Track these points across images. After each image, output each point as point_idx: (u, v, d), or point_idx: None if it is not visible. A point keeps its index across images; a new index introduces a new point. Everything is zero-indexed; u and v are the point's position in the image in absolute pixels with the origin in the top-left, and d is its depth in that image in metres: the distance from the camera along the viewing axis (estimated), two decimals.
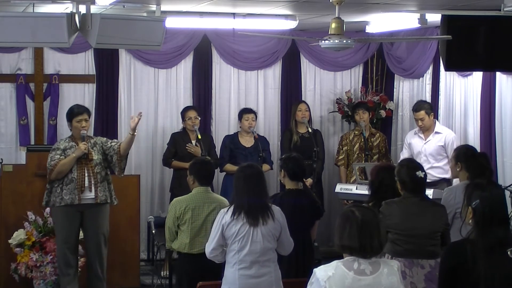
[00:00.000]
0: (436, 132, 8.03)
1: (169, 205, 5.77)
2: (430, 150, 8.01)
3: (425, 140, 8.07)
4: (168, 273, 7.36)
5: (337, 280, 3.51)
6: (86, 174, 6.74)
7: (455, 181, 7.56)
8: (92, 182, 6.74)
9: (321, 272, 3.54)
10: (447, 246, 3.96)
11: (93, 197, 6.76)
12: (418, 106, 8.09)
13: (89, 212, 6.79)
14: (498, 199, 3.92)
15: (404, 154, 8.31)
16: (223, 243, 5.06)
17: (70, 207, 6.73)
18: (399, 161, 6.01)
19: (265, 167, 8.37)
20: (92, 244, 6.88)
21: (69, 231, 6.81)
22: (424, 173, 5.17)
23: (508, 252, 2.52)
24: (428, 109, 8.03)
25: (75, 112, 6.93)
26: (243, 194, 5.04)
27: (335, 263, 3.57)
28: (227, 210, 5.06)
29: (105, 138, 7.06)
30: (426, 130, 8.05)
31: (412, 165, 5.26)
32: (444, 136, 7.99)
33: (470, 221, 3.89)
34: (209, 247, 5.09)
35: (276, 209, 5.17)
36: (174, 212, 5.65)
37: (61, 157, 6.73)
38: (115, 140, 7.09)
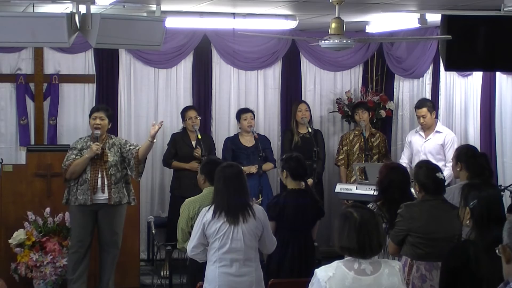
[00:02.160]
0: (437, 131, 8.05)
1: (181, 206, 5.72)
2: (429, 148, 8.02)
3: (425, 138, 8.09)
4: (168, 273, 7.37)
5: (337, 280, 3.49)
6: (99, 176, 6.77)
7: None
8: (105, 183, 6.77)
9: (322, 273, 3.54)
10: (449, 248, 3.94)
11: (106, 198, 6.79)
12: (421, 103, 8.13)
13: (103, 212, 6.84)
14: (495, 198, 3.92)
15: (404, 153, 8.34)
16: (204, 242, 5.08)
17: (85, 206, 6.78)
18: (416, 163, 5.94)
19: (268, 165, 8.37)
20: (104, 243, 6.94)
21: (84, 229, 6.85)
22: (443, 174, 5.12)
23: (497, 251, 2.54)
24: (431, 107, 8.06)
25: (93, 109, 7.07)
26: (223, 194, 5.06)
27: (335, 263, 3.56)
28: (208, 209, 5.08)
29: (124, 140, 7.11)
30: (428, 128, 8.06)
31: (431, 166, 5.18)
32: (444, 135, 8.01)
33: (468, 221, 3.89)
34: (190, 245, 5.12)
35: (258, 208, 5.18)
36: (187, 213, 5.60)
37: (76, 157, 6.78)
38: (134, 143, 7.11)
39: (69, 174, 6.76)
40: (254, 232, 5.09)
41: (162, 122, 7.00)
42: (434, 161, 7.75)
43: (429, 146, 8.04)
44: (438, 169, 5.14)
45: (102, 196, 6.79)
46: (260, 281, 5.14)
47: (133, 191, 7.02)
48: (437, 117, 8.28)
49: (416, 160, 7.62)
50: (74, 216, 6.88)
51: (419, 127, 8.21)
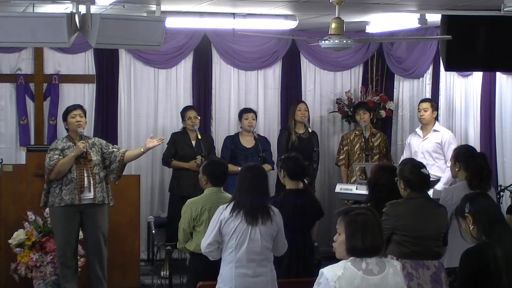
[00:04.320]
0: (434, 130, 8.09)
1: (183, 206, 5.69)
2: (427, 147, 8.05)
3: (423, 138, 8.12)
4: (168, 273, 7.36)
5: (346, 279, 3.49)
6: (85, 174, 6.73)
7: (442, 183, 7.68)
8: (92, 182, 6.74)
9: (330, 272, 3.51)
10: (466, 252, 3.92)
11: (92, 197, 6.75)
12: (425, 99, 8.31)
13: (88, 212, 6.78)
14: (489, 201, 3.97)
15: (404, 155, 8.34)
16: (219, 239, 5.07)
17: (69, 207, 6.71)
18: (401, 161, 5.97)
19: (266, 167, 8.35)
20: (92, 244, 6.87)
21: (69, 231, 6.79)
22: (427, 170, 5.15)
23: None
24: (434, 106, 8.15)
25: (69, 109, 6.97)
26: (246, 193, 5.06)
27: (342, 263, 3.54)
28: (226, 207, 5.07)
29: (104, 141, 7.04)
30: (426, 124, 8.09)
31: (415, 163, 5.24)
32: (442, 134, 8.04)
33: (471, 226, 3.89)
34: (205, 242, 5.10)
35: (275, 210, 5.18)
36: (190, 214, 5.59)
37: (59, 157, 6.71)
38: (116, 146, 7.10)
39: (54, 174, 6.68)
40: (270, 233, 5.10)
41: (163, 139, 7.08)
42: (431, 160, 7.85)
43: (426, 145, 8.06)
44: (422, 165, 5.19)
45: (89, 195, 6.74)
46: (274, 281, 5.15)
47: (111, 191, 6.95)
48: (437, 119, 8.29)
49: None
50: (59, 218, 6.78)
51: (418, 128, 8.23)
